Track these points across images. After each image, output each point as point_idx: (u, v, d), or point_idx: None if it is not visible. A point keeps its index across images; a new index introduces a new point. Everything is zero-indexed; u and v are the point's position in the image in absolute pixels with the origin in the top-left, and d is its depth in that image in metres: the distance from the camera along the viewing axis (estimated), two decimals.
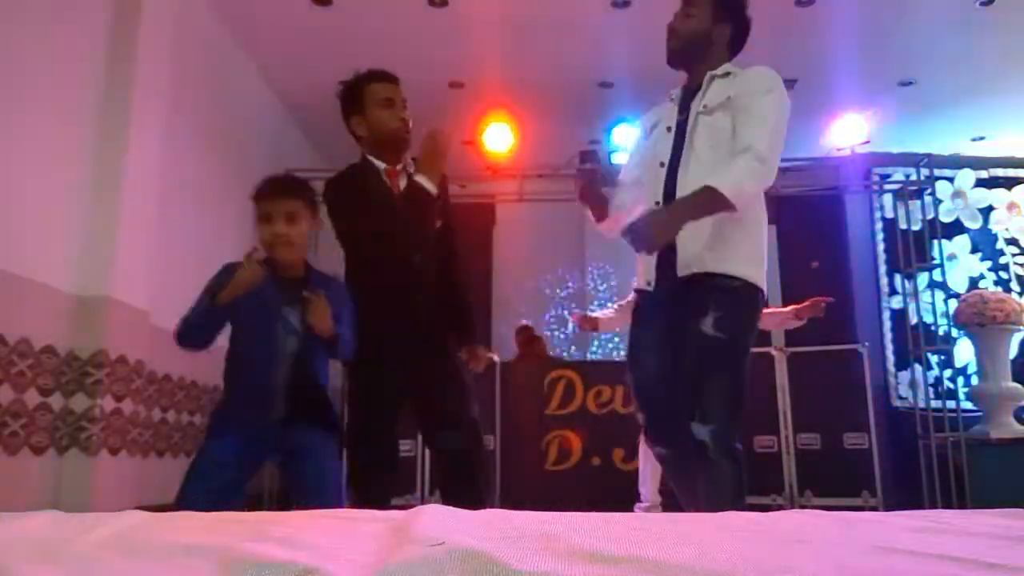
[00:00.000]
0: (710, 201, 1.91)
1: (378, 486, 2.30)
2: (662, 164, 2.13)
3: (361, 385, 2.33)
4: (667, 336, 2.08)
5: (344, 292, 2.17)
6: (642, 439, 3.83)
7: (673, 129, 2.16)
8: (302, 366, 2.06)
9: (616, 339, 6.95)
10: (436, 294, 2.36)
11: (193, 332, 2.08)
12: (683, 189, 2.02)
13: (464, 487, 2.22)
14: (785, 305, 3.86)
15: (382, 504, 2.18)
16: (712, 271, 2.00)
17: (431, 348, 2.32)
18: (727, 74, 2.14)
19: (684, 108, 2.17)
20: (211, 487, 1.95)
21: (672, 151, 2.12)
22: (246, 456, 2.04)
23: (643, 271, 2.16)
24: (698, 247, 2.01)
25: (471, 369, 2.46)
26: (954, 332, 5.21)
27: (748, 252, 2.06)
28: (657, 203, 2.08)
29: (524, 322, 6.36)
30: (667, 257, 2.05)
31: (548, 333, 7.07)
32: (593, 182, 2.26)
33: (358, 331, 2.13)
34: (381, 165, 2.32)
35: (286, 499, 4.30)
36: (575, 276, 7.31)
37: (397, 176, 2.33)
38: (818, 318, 3.60)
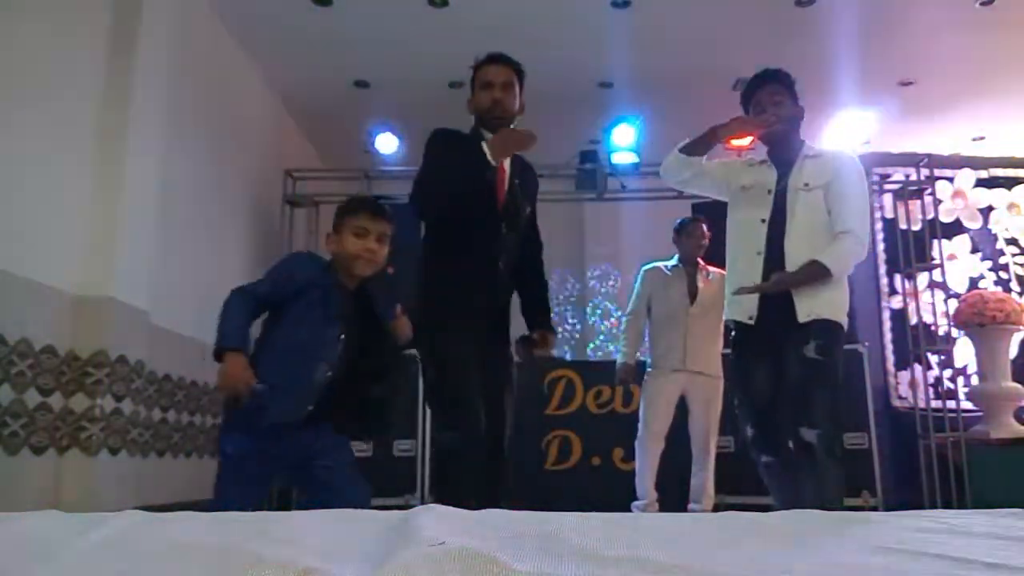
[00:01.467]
0: (818, 274, 2.46)
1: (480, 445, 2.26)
2: (763, 220, 2.59)
3: (449, 351, 2.32)
4: (772, 363, 2.56)
5: (389, 298, 2.27)
6: (639, 438, 3.86)
7: (773, 192, 2.61)
8: (341, 377, 2.11)
9: (612, 340, 6.94)
10: (513, 275, 2.49)
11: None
12: (788, 249, 2.52)
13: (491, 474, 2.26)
14: None
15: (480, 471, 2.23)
16: (819, 317, 2.48)
17: (501, 326, 2.45)
18: (816, 156, 2.64)
19: (782, 177, 2.62)
20: (241, 482, 2.02)
21: (772, 212, 2.59)
22: (264, 449, 2.04)
23: (743, 308, 2.60)
24: (812, 303, 2.49)
25: (538, 351, 2.56)
26: (954, 332, 5.21)
27: (840, 301, 2.56)
28: (758, 253, 2.57)
29: None
30: (773, 301, 2.52)
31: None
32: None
33: (440, 296, 2.31)
34: (488, 135, 2.43)
35: (287, 500, 4.30)
36: (575, 276, 7.31)
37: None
38: None
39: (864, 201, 2.61)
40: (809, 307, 2.49)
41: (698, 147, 2.66)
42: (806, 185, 2.57)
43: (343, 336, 2.11)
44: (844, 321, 2.57)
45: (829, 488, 2.41)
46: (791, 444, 2.52)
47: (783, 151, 2.68)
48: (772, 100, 2.67)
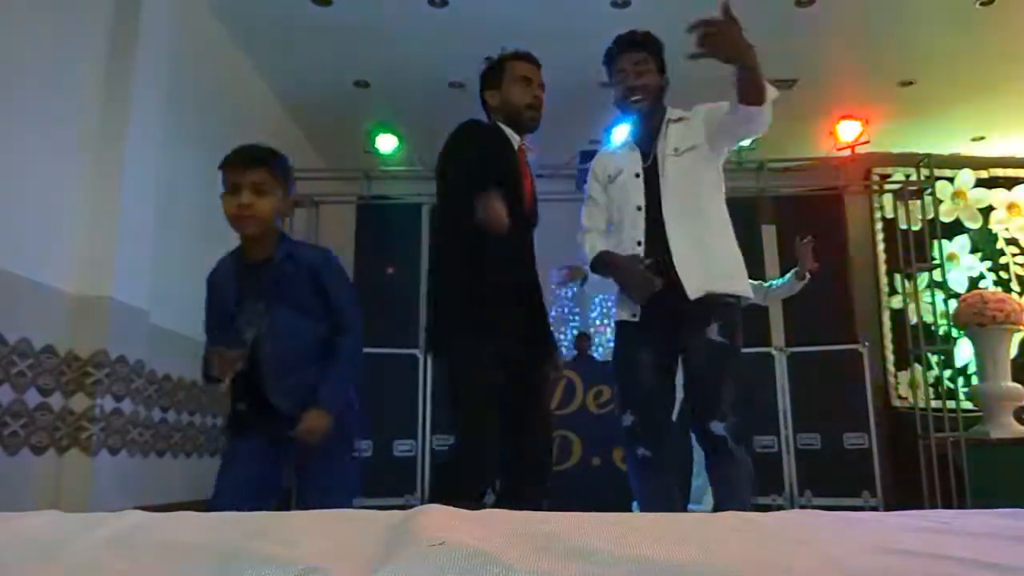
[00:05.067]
0: (760, 77, 2.11)
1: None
2: (639, 208, 2.35)
3: (480, 355, 2.13)
4: (657, 353, 2.33)
5: (320, 259, 2.01)
6: None
7: (642, 175, 2.38)
8: (262, 360, 1.92)
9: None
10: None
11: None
12: (670, 228, 2.28)
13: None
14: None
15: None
16: (713, 291, 2.24)
17: (539, 327, 2.33)
18: (680, 119, 2.40)
19: (647, 155, 2.39)
20: (237, 482, 1.88)
21: (646, 195, 2.35)
22: (264, 448, 1.95)
23: (627, 308, 2.39)
24: (700, 274, 2.25)
25: (553, 376, 2.45)
26: (954, 332, 5.21)
27: (733, 269, 2.34)
28: (639, 243, 2.31)
29: None
30: (657, 292, 2.25)
31: None
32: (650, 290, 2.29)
33: (470, 300, 2.10)
34: (516, 137, 2.35)
35: (287, 499, 4.30)
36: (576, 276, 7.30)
37: (524, 153, 2.39)
38: (818, 318, 3.58)
39: None
40: (698, 282, 2.23)
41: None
42: (675, 150, 2.34)
43: (248, 319, 1.92)
44: (745, 291, 2.33)
45: (745, 479, 2.20)
46: (699, 441, 2.34)
47: (646, 127, 2.44)
48: (635, 70, 2.39)
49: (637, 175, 2.39)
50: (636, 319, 2.36)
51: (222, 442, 4.57)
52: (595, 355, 7.27)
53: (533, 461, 2.24)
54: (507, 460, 2.20)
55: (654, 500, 2.31)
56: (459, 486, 2.05)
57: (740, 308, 2.33)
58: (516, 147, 2.35)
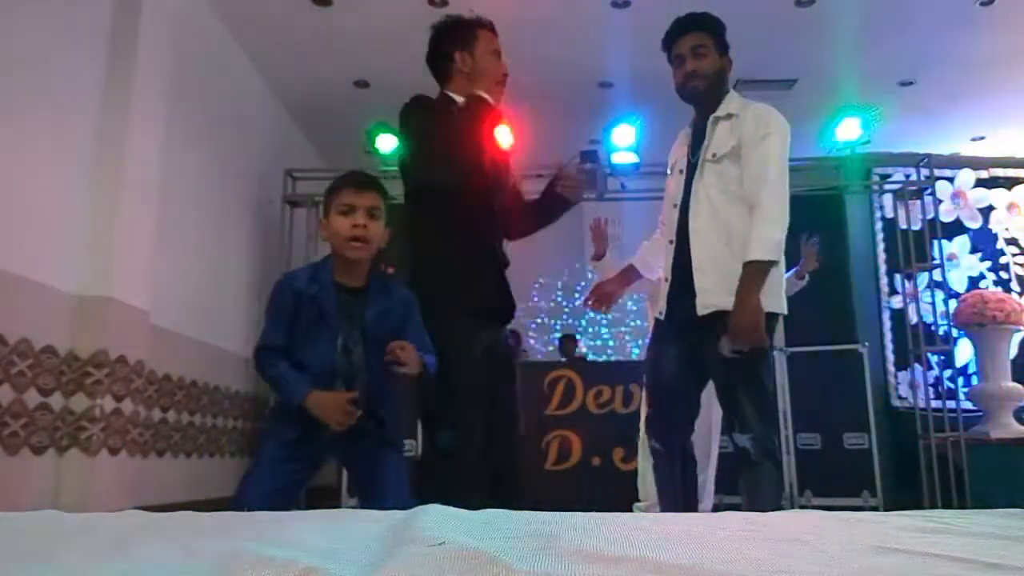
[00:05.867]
0: (759, 271, 2.18)
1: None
2: (675, 205, 2.38)
3: (458, 342, 2.08)
4: (679, 355, 2.36)
5: (411, 299, 2.05)
6: (641, 438, 3.86)
7: (684, 172, 2.38)
8: (361, 388, 1.94)
9: (612, 341, 6.95)
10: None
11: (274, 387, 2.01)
12: (693, 231, 2.29)
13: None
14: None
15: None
16: (720, 308, 2.22)
17: (506, 314, 2.27)
18: (729, 116, 2.32)
19: (695, 150, 2.37)
20: (266, 488, 1.87)
21: (683, 193, 2.35)
22: (298, 457, 1.95)
23: (657, 305, 2.49)
24: (715, 287, 2.25)
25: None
26: (954, 332, 5.21)
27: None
28: (671, 242, 2.37)
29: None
30: (680, 296, 2.32)
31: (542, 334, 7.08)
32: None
33: (447, 280, 2.09)
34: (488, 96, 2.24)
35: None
36: (576, 276, 7.31)
37: (499, 113, 2.29)
38: (818, 318, 3.57)
39: (774, 160, 2.27)
40: (705, 298, 2.24)
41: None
42: (713, 156, 2.30)
43: (345, 345, 1.93)
44: (767, 306, 2.26)
45: (768, 491, 2.22)
46: (732, 447, 2.34)
47: (702, 115, 2.37)
48: (694, 52, 2.31)
49: (681, 171, 2.40)
50: (662, 317, 2.42)
51: (232, 442, 4.58)
52: (593, 356, 7.28)
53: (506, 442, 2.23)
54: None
55: (664, 492, 2.39)
56: (466, 479, 2.04)
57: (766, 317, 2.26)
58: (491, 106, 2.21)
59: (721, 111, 2.33)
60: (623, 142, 5.51)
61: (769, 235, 2.20)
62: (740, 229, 2.26)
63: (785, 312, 2.35)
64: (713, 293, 2.24)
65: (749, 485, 2.24)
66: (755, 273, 2.18)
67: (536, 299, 7.26)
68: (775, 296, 2.29)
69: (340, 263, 1.98)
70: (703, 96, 2.36)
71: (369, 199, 1.95)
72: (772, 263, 2.20)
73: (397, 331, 1.95)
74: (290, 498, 1.96)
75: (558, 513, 0.98)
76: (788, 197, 2.28)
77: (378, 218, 1.96)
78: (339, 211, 1.94)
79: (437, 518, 0.92)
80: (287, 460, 1.92)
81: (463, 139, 2.10)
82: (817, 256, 3.51)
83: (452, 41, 2.28)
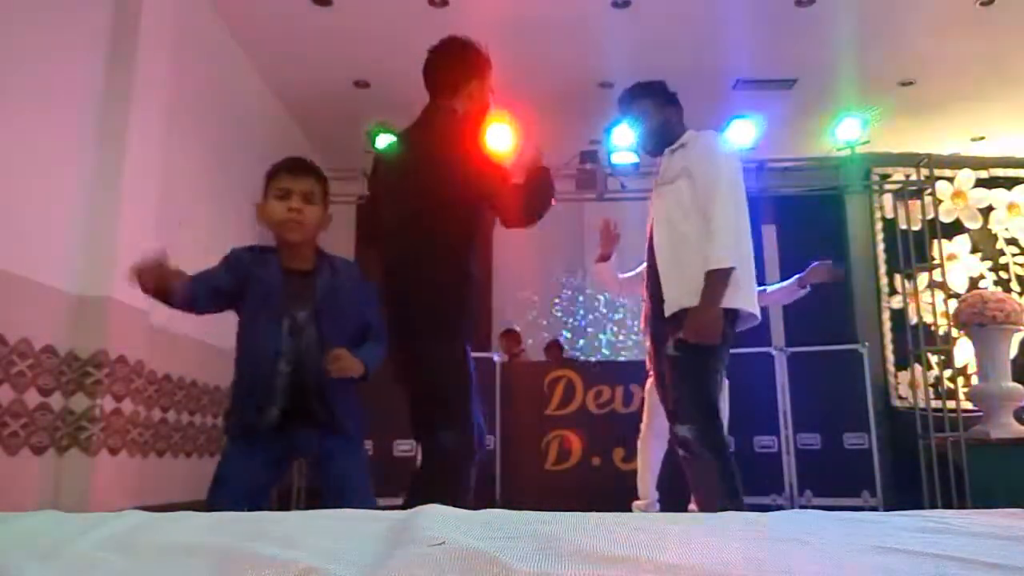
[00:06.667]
0: (719, 280, 2.41)
1: None
2: (648, 237, 2.70)
3: (468, 356, 2.23)
4: (656, 354, 2.67)
5: (360, 274, 2.10)
6: (641, 438, 3.86)
7: (652, 200, 2.73)
8: (309, 369, 1.93)
9: (611, 340, 6.94)
10: None
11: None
12: (657, 247, 2.60)
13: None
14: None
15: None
16: (682, 307, 2.49)
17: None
18: (682, 146, 2.66)
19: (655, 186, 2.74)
20: (236, 492, 1.88)
21: (649, 218, 2.71)
22: (263, 459, 1.96)
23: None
24: (676, 292, 2.51)
25: None
26: (954, 332, 5.20)
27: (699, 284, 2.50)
28: (646, 260, 2.70)
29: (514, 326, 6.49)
30: (653, 306, 2.64)
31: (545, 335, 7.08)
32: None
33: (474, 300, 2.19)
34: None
35: (287, 500, 4.30)
36: (576, 275, 7.31)
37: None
38: (818, 318, 3.58)
39: (718, 180, 2.50)
40: (671, 299, 2.53)
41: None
42: (668, 179, 2.62)
43: (292, 326, 1.93)
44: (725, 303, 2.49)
45: (710, 481, 2.40)
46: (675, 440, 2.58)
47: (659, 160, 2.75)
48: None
49: (651, 200, 2.72)
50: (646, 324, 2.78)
51: (223, 442, 4.57)
52: (592, 357, 7.28)
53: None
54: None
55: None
56: (465, 477, 2.11)
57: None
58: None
59: (676, 145, 2.68)
60: (623, 142, 5.51)
61: (724, 243, 2.44)
62: (696, 237, 2.52)
63: (740, 307, 2.51)
64: (676, 298, 2.51)
65: (692, 475, 2.47)
66: (716, 282, 2.43)
67: (547, 293, 7.27)
68: (731, 290, 2.49)
69: (284, 248, 2.02)
70: (659, 148, 2.77)
71: (304, 183, 2.00)
72: (731, 269, 2.42)
73: (351, 308, 2.01)
74: (259, 502, 1.95)
75: (558, 513, 0.98)
76: (742, 204, 2.53)
77: (314, 202, 2.01)
78: (275, 195, 1.99)
79: (437, 518, 0.92)
80: (250, 462, 1.93)
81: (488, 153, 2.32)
82: (831, 274, 3.52)
83: (477, 68, 2.43)
